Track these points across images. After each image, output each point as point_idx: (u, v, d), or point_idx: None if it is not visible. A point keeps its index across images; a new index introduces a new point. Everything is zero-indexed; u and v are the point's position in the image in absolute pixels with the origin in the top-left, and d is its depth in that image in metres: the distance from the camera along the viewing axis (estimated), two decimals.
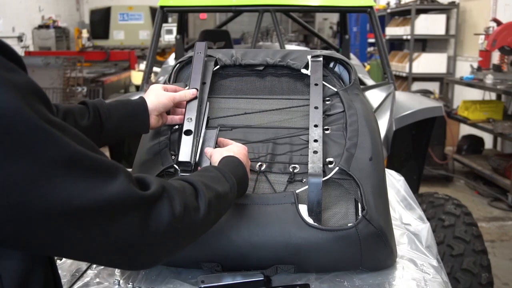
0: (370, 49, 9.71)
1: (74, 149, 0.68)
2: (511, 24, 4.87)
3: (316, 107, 1.37)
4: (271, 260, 1.18)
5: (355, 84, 1.48)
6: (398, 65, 7.55)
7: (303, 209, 1.18)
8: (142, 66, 7.49)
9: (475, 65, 5.74)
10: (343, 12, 3.89)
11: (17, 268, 0.73)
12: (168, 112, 1.36)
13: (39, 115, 0.65)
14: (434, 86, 7.37)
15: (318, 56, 1.52)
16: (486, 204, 4.79)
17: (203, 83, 1.42)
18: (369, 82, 3.55)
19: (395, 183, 1.90)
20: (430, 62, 7.22)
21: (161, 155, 1.30)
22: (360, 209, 1.20)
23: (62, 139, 0.67)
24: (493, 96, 5.81)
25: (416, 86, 7.39)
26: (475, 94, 6.12)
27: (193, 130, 1.27)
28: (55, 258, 1.36)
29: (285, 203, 1.19)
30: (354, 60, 4.16)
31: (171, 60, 4.46)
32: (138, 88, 3.60)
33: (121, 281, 1.20)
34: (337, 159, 1.26)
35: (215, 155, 1.18)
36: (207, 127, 1.35)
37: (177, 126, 1.38)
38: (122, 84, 8.50)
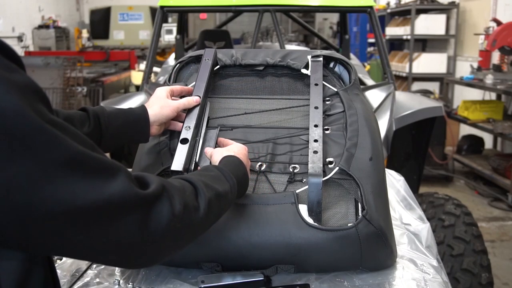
0: (370, 49, 9.71)
1: (75, 149, 0.68)
2: (511, 24, 4.87)
3: (316, 107, 1.37)
4: (271, 260, 1.18)
5: (355, 84, 1.48)
6: (398, 65, 7.55)
7: (303, 209, 1.18)
8: (142, 66, 7.50)
9: (475, 65, 5.74)
10: (343, 12, 3.89)
11: (16, 269, 0.73)
12: None
13: (40, 116, 0.65)
14: (434, 86, 7.37)
15: (318, 56, 1.52)
16: (486, 204, 4.79)
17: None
18: (369, 82, 3.55)
19: (395, 183, 1.90)
20: (430, 62, 7.22)
21: (161, 155, 1.30)
22: (360, 209, 1.20)
23: (63, 139, 0.67)
24: (493, 96, 5.81)
25: (416, 86, 7.39)
26: (475, 94, 6.12)
27: (190, 139, 1.25)
28: (55, 258, 1.36)
29: (285, 203, 1.19)
30: (354, 60, 4.16)
31: (171, 60, 4.46)
32: (138, 88, 3.60)
33: (121, 281, 1.20)
34: (337, 159, 1.26)
35: (216, 155, 1.17)
36: (207, 127, 1.34)
37: None
38: (122, 84, 8.50)
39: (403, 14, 7.93)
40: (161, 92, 1.31)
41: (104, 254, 0.75)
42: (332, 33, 12.02)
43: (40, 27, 10.39)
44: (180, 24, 4.10)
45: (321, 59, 1.51)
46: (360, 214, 1.19)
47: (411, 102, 2.88)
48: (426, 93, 6.59)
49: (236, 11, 3.34)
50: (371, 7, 2.99)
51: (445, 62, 7.18)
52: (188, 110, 1.33)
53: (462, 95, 6.66)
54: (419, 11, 7.19)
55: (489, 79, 5.17)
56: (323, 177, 1.20)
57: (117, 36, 11.28)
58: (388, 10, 8.22)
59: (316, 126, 1.32)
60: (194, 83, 1.42)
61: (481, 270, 2.29)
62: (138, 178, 0.80)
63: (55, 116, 0.70)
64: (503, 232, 4.16)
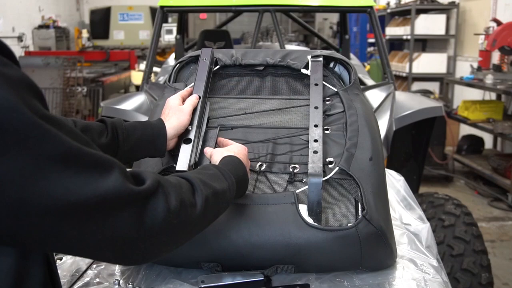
0: (370, 49, 9.70)
1: (70, 144, 0.68)
2: (511, 24, 4.87)
3: (316, 107, 1.37)
4: (271, 260, 1.18)
5: (355, 84, 1.48)
6: (398, 65, 7.55)
7: (303, 209, 1.18)
8: (142, 66, 7.50)
9: (475, 65, 5.74)
10: (343, 12, 3.89)
11: (11, 267, 0.72)
12: None
13: (34, 111, 0.65)
14: (434, 86, 7.37)
15: (318, 56, 1.52)
16: (486, 204, 4.79)
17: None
18: (369, 82, 3.55)
19: (395, 183, 1.90)
20: (430, 62, 7.22)
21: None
22: (360, 209, 1.20)
23: (57, 134, 0.67)
24: (493, 96, 5.81)
25: (416, 86, 7.39)
26: (475, 94, 6.12)
27: (192, 138, 1.25)
28: (55, 258, 1.36)
29: (285, 203, 1.19)
30: (354, 60, 4.16)
31: (171, 60, 4.46)
32: (138, 88, 3.60)
33: (121, 281, 1.19)
34: (337, 159, 1.26)
35: (215, 155, 1.17)
36: (207, 127, 1.34)
37: None
38: (122, 84, 8.50)
39: (403, 14, 7.93)
40: (174, 102, 1.29)
41: (99, 250, 0.75)
42: (332, 33, 12.03)
43: (40, 27, 10.38)
44: (180, 24, 4.10)
45: (321, 59, 1.51)
46: (360, 214, 1.19)
47: (411, 102, 2.88)
48: (426, 93, 6.58)
49: (236, 11, 3.34)
50: (371, 7, 2.99)
51: (445, 62, 7.18)
52: None
53: (462, 95, 6.66)
54: (419, 11, 7.19)
55: (489, 79, 5.17)
56: (323, 177, 1.20)
57: (117, 36, 11.28)
58: (388, 10, 8.22)
59: (316, 126, 1.32)
60: (193, 83, 1.43)
61: (481, 270, 2.29)
62: (134, 174, 0.80)
63: (49, 112, 0.70)
64: (503, 232, 4.16)
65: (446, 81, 6.48)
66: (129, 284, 1.17)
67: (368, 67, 8.03)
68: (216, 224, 1.16)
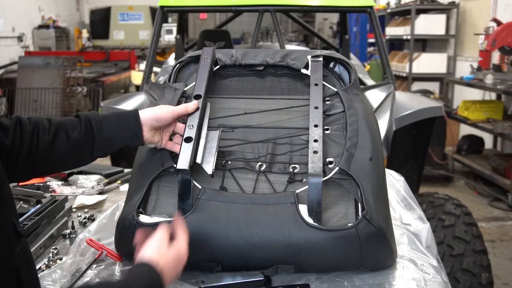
0: (370, 49, 9.71)
1: None
2: (511, 24, 4.87)
3: (316, 107, 1.37)
4: (271, 260, 1.18)
5: (355, 84, 1.48)
6: (398, 65, 7.55)
7: (303, 209, 1.18)
8: (142, 66, 7.50)
9: (475, 65, 5.74)
10: (343, 12, 3.89)
11: None
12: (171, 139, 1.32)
13: None
14: (434, 86, 7.37)
15: (318, 56, 1.51)
16: (486, 204, 4.80)
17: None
18: (369, 82, 3.55)
19: (395, 183, 1.90)
20: (430, 62, 7.22)
21: (161, 155, 1.30)
22: (360, 209, 1.20)
23: None
24: (493, 96, 5.81)
25: (416, 86, 7.40)
26: (475, 94, 6.13)
27: (193, 137, 1.25)
28: (55, 258, 1.36)
29: (285, 203, 1.19)
30: (354, 60, 4.16)
31: (171, 60, 4.46)
32: (138, 88, 3.60)
33: None
34: (337, 159, 1.26)
35: (141, 253, 1.01)
36: (208, 127, 1.34)
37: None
38: (122, 84, 8.51)
39: (403, 14, 7.93)
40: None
41: None
42: (332, 33, 12.03)
43: (40, 27, 10.38)
44: (180, 24, 4.10)
45: (321, 59, 1.50)
46: (360, 214, 1.19)
47: (411, 102, 2.88)
48: (426, 93, 6.58)
49: (236, 11, 3.34)
50: (371, 7, 2.99)
51: (445, 62, 7.18)
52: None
53: (462, 95, 6.66)
54: (419, 11, 7.19)
55: (489, 79, 5.17)
56: (323, 177, 1.20)
57: (117, 36, 11.28)
58: (388, 10, 8.22)
59: (316, 126, 1.32)
60: (194, 82, 1.42)
61: (481, 270, 2.29)
62: None
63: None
64: (503, 232, 4.16)
65: (446, 81, 6.48)
66: None
67: (368, 67, 8.03)
68: (216, 224, 1.16)
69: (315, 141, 1.27)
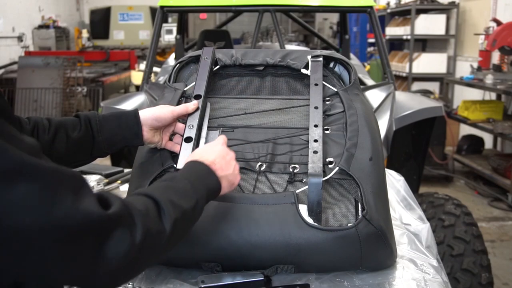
0: (370, 49, 9.70)
1: (24, 160, 0.63)
2: (511, 24, 4.87)
3: (316, 107, 1.37)
4: (271, 260, 1.18)
5: (355, 84, 1.48)
6: (398, 65, 7.55)
7: (303, 209, 1.18)
8: (142, 66, 7.50)
9: (475, 65, 5.74)
10: (343, 12, 3.89)
11: None
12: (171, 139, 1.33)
13: None
14: (434, 86, 7.37)
15: (318, 56, 1.51)
16: (486, 204, 4.79)
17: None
18: (369, 82, 3.55)
19: (395, 183, 1.90)
20: (430, 62, 7.22)
21: (161, 155, 1.30)
22: (360, 209, 1.20)
23: (8, 148, 0.62)
24: (493, 96, 5.81)
25: (416, 86, 7.39)
26: (475, 94, 6.12)
27: (193, 137, 1.25)
28: None
29: (285, 203, 1.19)
30: (354, 60, 4.16)
31: (171, 60, 4.46)
32: (138, 88, 3.60)
33: None
34: (337, 159, 1.26)
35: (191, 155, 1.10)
36: (208, 127, 1.34)
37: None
38: (122, 84, 8.51)
39: (403, 14, 7.93)
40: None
41: (54, 278, 0.70)
42: (332, 33, 12.03)
43: (40, 27, 10.38)
44: (180, 24, 4.10)
45: (321, 59, 1.51)
46: (360, 214, 1.19)
47: (411, 102, 2.88)
48: (426, 93, 6.58)
49: (236, 11, 3.34)
50: (371, 7, 2.99)
51: (445, 62, 7.18)
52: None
53: (462, 95, 6.66)
54: (419, 11, 7.19)
55: (489, 79, 5.17)
56: (323, 177, 1.20)
57: (117, 36, 11.28)
58: (388, 10, 8.22)
59: (316, 126, 1.32)
60: (194, 82, 1.42)
61: (481, 270, 2.29)
62: (100, 197, 0.74)
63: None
64: (503, 232, 4.16)
65: (446, 81, 6.48)
66: (129, 284, 1.17)
67: (368, 67, 8.03)
68: (216, 224, 1.16)
69: (315, 141, 1.27)
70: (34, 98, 6.68)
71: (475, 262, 2.29)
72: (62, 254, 0.66)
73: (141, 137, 1.24)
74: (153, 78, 3.95)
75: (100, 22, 11.32)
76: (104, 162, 2.84)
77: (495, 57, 5.82)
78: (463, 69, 6.58)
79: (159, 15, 3.03)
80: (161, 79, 3.66)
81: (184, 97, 1.45)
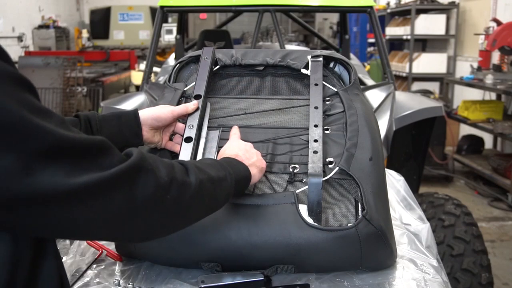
0: (370, 49, 9.71)
1: (60, 135, 0.68)
2: (511, 24, 4.87)
3: (316, 107, 1.37)
4: (271, 260, 1.18)
5: (355, 84, 1.48)
6: (398, 65, 7.55)
7: (303, 209, 1.18)
8: (142, 66, 7.51)
9: (475, 65, 5.74)
10: (343, 12, 3.89)
11: (4, 253, 0.72)
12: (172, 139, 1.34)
13: (23, 104, 0.66)
14: (434, 86, 7.37)
15: (318, 56, 1.52)
16: (486, 204, 4.79)
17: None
18: (369, 82, 3.55)
19: (395, 183, 1.90)
20: (430, 62, 7.22)
21: (161, 155, 1.30)
22: (360, 209, 1.20)
23: (46, 127, 0.67)
24: (493, 96, 5.81)
25: (416, 86, 7.40)
26: (475, 94, 6.12)
27: (193, 137, 1.25)
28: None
29: (285, 203, 1.19)
30: (354, 60, 4.16)
31: (171, 60, 4.46)
32: (138, 88, 3.60)
33: (121, 281, 1.19)
34: (337, 159, 1.26)
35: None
36: (208, 127, 1.34)
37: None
38: (122, 84, 8.51)
39: (403, 14, 7.93)
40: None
41: (93, 230, 0.76)
42: (332, 33, 12.03)
43: (40, 27, 10.39)
44: (180, 24, 4.10)
45: (321, 59, 1.51)
46: (360, 214, 1.19)
47: (411, 102, 2.88)
48: (426, 93, 6.58)
49: (236, 11, 3.34)
50: (371, 7, 2.99)
51: (445, 62, 7.18)
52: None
53: (462, 95, 6.66)
54: (419, 11, 7.19)
55: (489, 79, 5.17)
56: (323, 177, 1.20)
57: (117, 36, 11.28)
58: (388, 10, 8.22)
59: (316, 126, 1.32)
60: (194, 82, 1.42)
61: (481, 270, 2.29)
62: (126, 153, 0.80)
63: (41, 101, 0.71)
64: (503, 232, 4.16)
65: (446, 81, 6.48)
66: (129, 284, 1.17)
67: (368, 67, 8.03)
68: (216, 224, 1.16)
69: (315, 141, 1.27)
70: None
71: (475, 262, 2.29)
72: (95, 209, 0.72)
73: (141, 137, 1.24)
74: (153, 78, 3.95)
75: (100, 22, 11.33)
76: None
77: (495, 57, 5.82)
78: (463, 69, 6.58)
79: (159, 15, 3.03)
80: (161, 79, 3.66)
81: (184, 97, 1.45)
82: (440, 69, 7.19)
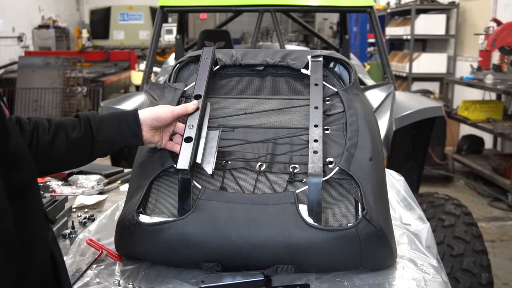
0: (370, 49, 9.71)
1: None
2: (511, 24, 4.87)
3: (316, 107, 1.37)
4: (271, 260, 1.18)
5: (355, 84, 1.48)
6: (398, 65, 7.56)
7: (303, 209, 1.18)
8: (142, 66, 7.51)
9: (475, 65, 5.74)
10: (343, 12, 3.89)
11: None
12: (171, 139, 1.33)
13: None
14: (434, 86, 7.37)
15: (318, 56, 1.51)
16: (486, 204, 4.80)
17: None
18: (369, 82, 3.55)
19: (395, 183, 1.90)
20: (430, 62, 7.22)
21: (161, 155, 1.30)
22: (360, 209, 1.20)
23: None
24: (493, 96, 5.81)
25: (416, 86, 7.40)
26: (475, 94, 6.13)
27: (193, 137, 1.25)
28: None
29: (285, 203, 1.19)
30: (354, 60, 4.16)
31: (171, 60, 4.46)
32: (138, 88, 3.60)
33: (121, 281, 1.19)
34: (337, 159, 1.26)
35: None
36: (208, 127, 1.34)
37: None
38: (122, 84, 8.51)
39: (403, 14, 7.93)
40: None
41: None
42: (332, 33, 12.03)
43: (40, 27, 10.38)
44: (180, 24, 4.10)
45: (321, 59, 1.50)
46: (360, 214, 1.18)
47: (411, 102, 2.88)
48: (426, 93, 6.59)
49: (236, 11, 3.34)
50: (371, 7, 2.99)
51: (445, 62, 7.18)
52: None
53: (462, 95, 6.66)
54: (419, 11, 7.20)
55: (489, 79, 5.17)
56: (323, 177, 1.20)
57: (117, 36, 11.28)
58: (388, 10, 8.22)
59: (316, 126, 1.32)
60: (194, 82, 1.42)
61: (481, 270, 2.29)
62: None
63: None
64: (503, 232, 4.16)
65: (446, 81, 6.48)
66: (129, 284, 1.17)
67: (368, 67, 8.04)
68: (216, 224, 1.16)
69: (315, 141, 1.27)
70: (34, 98, 6.68)
71: (475, 262, 2.29)
72: None
73: (141, 137, 1.24)
74: (153, 78, 3.95)
75: (100, 22, 11.33)
76: (104, 162, 2.84)
77: (495, 57, 5.82)
78: (463, 69, 6.58)
79: (159, 15, 3.03)
80: (161, 79, 3.66)
81: (184, 97, 1.45)
82: (440, 69, 7.19)
